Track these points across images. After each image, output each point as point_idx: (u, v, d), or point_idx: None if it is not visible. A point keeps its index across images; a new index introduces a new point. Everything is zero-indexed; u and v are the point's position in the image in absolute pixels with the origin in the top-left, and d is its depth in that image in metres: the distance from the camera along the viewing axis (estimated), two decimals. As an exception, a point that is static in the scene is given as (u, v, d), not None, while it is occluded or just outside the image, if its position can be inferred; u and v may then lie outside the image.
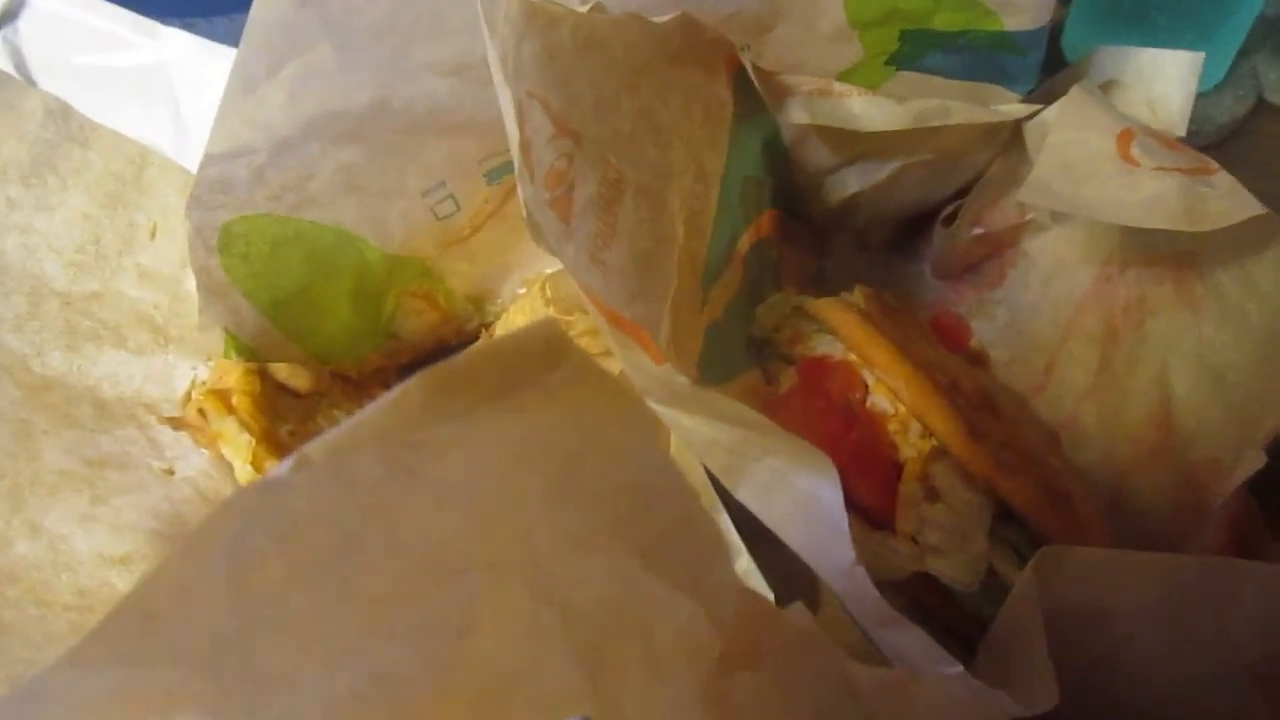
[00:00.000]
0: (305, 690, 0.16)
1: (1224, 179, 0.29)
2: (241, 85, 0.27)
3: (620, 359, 0.24)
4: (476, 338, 0.39)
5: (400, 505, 0.15)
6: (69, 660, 0.14)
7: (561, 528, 0.16)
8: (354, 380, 0.37)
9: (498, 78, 0.22)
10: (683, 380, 0.23)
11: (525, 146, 0.23)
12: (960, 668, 0.22)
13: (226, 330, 0.33)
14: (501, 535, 0.15)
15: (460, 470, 0.15)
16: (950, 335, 0.43)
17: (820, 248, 0.44)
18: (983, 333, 0.43)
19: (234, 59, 0.27)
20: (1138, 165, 0.30)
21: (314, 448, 0.14)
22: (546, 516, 0.15)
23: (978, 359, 0.42)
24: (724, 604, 0.17)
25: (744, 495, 0.23)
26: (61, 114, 0.34)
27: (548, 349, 0.15)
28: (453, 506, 0.15)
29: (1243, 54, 0.49)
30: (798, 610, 0.18)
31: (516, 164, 0.22)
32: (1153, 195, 0.29)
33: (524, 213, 0.22)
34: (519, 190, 0.22)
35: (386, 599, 0.15)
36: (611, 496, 0.16)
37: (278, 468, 0.13)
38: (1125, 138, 0.31)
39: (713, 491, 0.31)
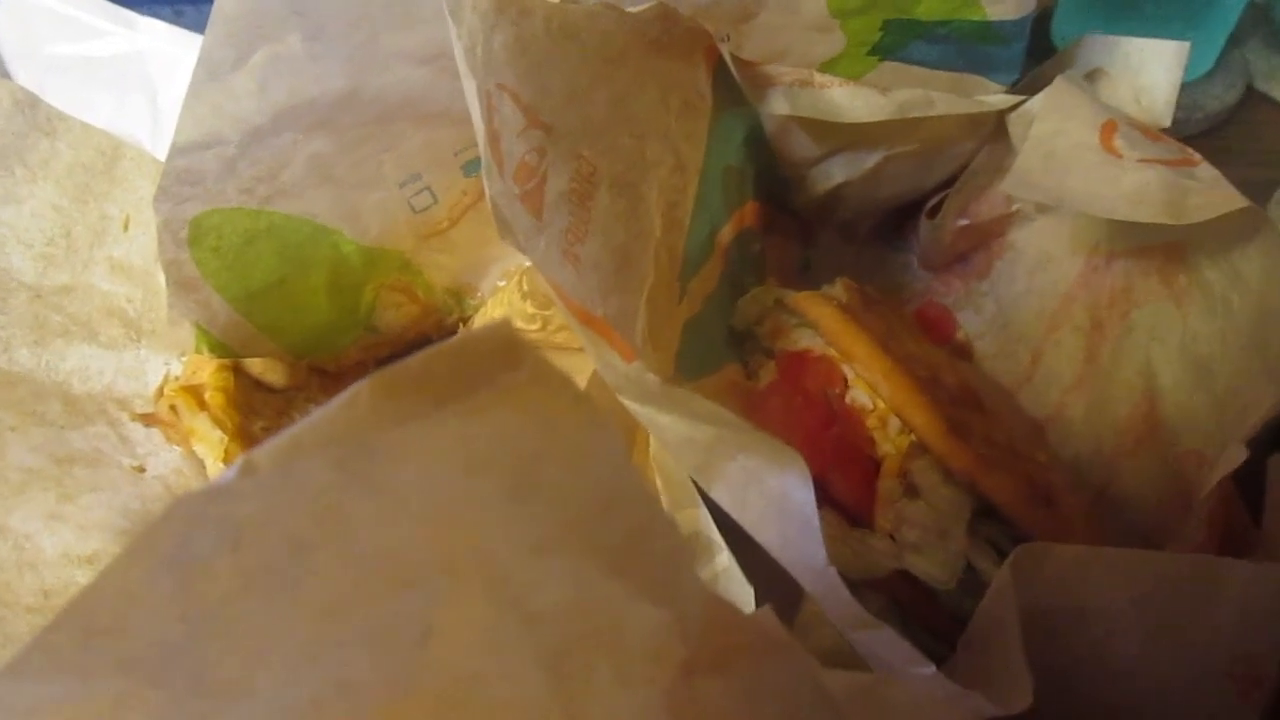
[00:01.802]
0: (260, 699, 0.15)
1: (1207, 171, 0.29)
2: (208, 74, 0.27)
3: (592, 357, 0.23)
4: (456, 331, 0.39)
5: (352, 511, 0.14)
6: (10, 671, 0.13)
7: (520, 532, 0.15)
8: (332, 374, 0.37)
9: (463, 68, 0.21)
10: (652, 379, 0.23)
11: (493, 139, 0.22)
12: (933, 668, 0.22)
13: (197, 325, 0.32)
14: (458, 540, 0.15)
15: (413, 475, 0.14)
16: (936, 327, 0.43)
17: (806, 239, 0.44)
18: (969, 324, 0.43)
19: (200, 47, 0.26)
20: (1121, 157, 0.30)
21: (260, 453, 0.13)
22: (504, 521, 0.15)
23: (963, 351, 0.42)
24: (690, 609, 0.17)
25: (718, 494, 0.23)
26: (29, 104, 0.33)
27: (503, 350, 0.15)
28: (407, 512, 0.15)
29: (1232, 42, 0.49)
30: (766, 615, 0.17)
31: (484, 157, 0.22)
32: (1135, 188, 0.29)
33: (490, 207, 0.21)
34: (485, 184, 0.21)
35: (341, 606, 0.15)
36: (571, 500, 0.15)
37: (223, 474, 0.13)
38: (1108, 129, 0.31)
39: (694, 488, 0.30)
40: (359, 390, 0.13)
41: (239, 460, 0.13)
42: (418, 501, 0.14)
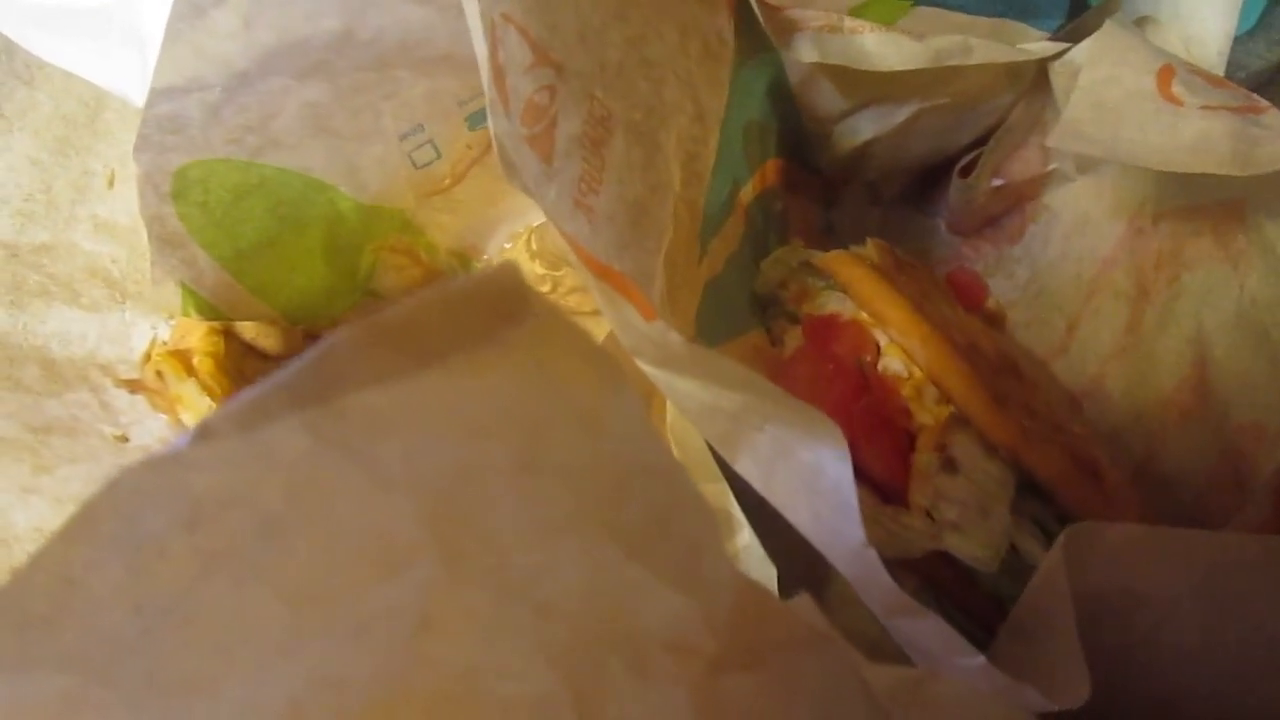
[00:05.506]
0: (229, 698, 0.13)
1: (1276, 118, 0.27)
2: (189, 10, 0.25)
3: (607, 315, 0.21)
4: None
5: (331, 485, 0.12)
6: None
7: (525, 510, 0.13)
8: (329, 340, 0.35)
9: (463, -9, 0.19)
10: (676, 339, 0.21)
11: (498, 74, 0.20)
12: (982, 659, 0.20)
13: (183, 285, 0.30)
14: (455, 519, 0.13)
15: (400, 443, 0.12)
16: (965, 294, 0.41)
17: (829, 199, 0.42)
18: (1000, 291, 0.41)
19: (178, -20, 0.24)
20: (1181, 104, 0.27)
21: (218, 417, 0.11)
22: (506, 497, 0.13)
23: (994, 319, 0.40)
24: (718, 597, 0.15)
25: (743, 467, 0.21)
26: (5, 51, 0.31)
27: (508, 300, 0.13)
28: (395, 486, 0.13)
29: (1275, 0, 0.46)
30: (804, 603, 0.16)
31: (488, 94, 0.20)
32: (1197, 137, 0.26)
33: (495, 148, 0.19)
34: (490, 123, 0.19)
35: (320, 594, 0.13)
36: (585, 474, 0.13)
37: (175, 441, 0.11)
38: (1166, 75, 0.28)
39: (713, 461, 0.28)
40: (335, 343, 0.11)
41: (194, 426, 0.11)
42: (406, 474, 0.13)
